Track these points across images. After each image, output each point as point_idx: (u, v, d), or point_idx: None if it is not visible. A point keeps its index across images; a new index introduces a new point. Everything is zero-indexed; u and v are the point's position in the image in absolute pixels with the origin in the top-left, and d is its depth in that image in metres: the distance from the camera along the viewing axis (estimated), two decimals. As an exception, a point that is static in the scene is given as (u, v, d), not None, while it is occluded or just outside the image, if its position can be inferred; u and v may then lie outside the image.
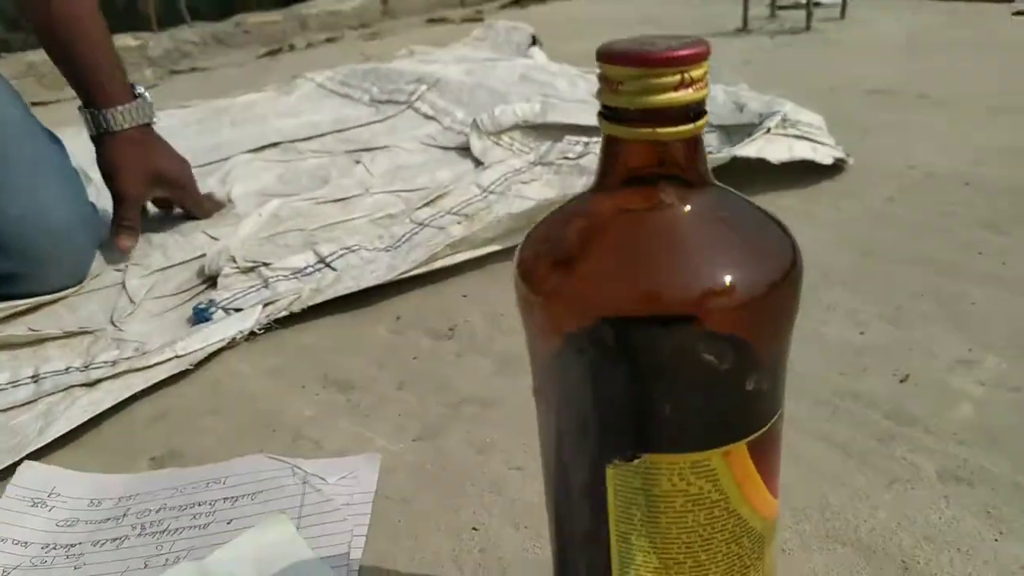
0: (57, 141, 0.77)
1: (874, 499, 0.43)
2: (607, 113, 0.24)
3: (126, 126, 0.78)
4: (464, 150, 1.06)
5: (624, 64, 0.22)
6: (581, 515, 0.27)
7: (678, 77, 0.22)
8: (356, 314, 0.67)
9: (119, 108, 0.77)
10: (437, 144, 1.11)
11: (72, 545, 0.44)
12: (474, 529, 0.43)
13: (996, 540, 0.39)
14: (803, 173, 0.84)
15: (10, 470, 0.50)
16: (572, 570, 0.30)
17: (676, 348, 0.23)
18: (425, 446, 0.51)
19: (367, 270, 0.70)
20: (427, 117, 1.21)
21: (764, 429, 0.25)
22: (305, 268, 0.72)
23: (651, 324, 0.23)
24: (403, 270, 0.69)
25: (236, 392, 0.58)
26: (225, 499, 0.46)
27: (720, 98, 1.01)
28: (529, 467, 0.47)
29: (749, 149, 0.82)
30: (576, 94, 1.20)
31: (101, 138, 0.78)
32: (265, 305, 0.66)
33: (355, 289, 0.67)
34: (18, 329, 0.66)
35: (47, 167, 0.73)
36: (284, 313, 0.66)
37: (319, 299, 0.67)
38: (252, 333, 0.64)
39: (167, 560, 0.42)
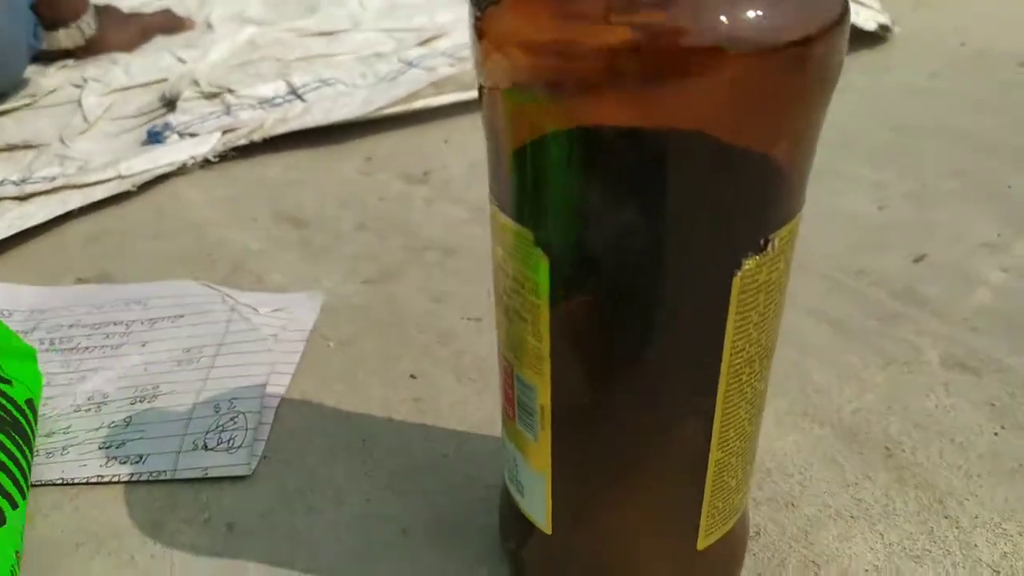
0: None
1: (864, 380, 0.37)
2: None
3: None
4: (471, -4, 0.96)
5: None
6: (679, 351, 0.20)
7: None
8: (324, 151, 0.61)
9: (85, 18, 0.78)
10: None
11: (-27, 357, 0.40)
12: (412, 377, 0.39)
13: (996, 434, 0.34)
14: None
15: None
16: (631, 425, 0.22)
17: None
18: (376, 289, 0.46)
19: (339, 103, 0.63)
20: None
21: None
22: (274, 98, 0.65)
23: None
24: (379, 105, 0.62)
25: (180, 219, 0.53)
26: (144, 320, 0.42)
27: None
28: (487, 319, 0.43)
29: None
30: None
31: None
32: (224, 133, 0.60)
33: (323, 123, 0.61)
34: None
35: None
36: (244, 142, 0.60)
37: (282, 129, 0.60)
38: (207, 161, 0.58)
39: (70, 379, 0.38)
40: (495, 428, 0.35)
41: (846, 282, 0.45)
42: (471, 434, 0.35)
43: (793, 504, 0.31)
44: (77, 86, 0.71)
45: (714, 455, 0.22)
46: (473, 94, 0.66)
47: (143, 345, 0.40)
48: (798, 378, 0.38)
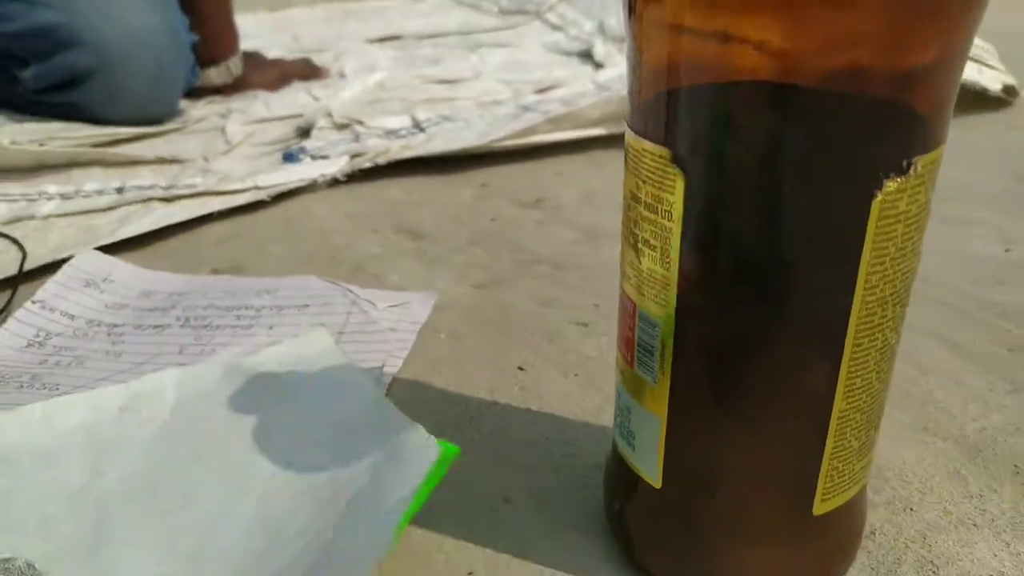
0: None
1: (990, 402, 0.36)
2: None
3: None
4: (586, 55, 1.01)
5: None
6: (815, 279, 0.20)
7: None
8: (443, 178, 0.64)
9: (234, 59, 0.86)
10: (560, 50, 1.06)
11: (116, 325, 0.44)
12: (520, 368, 0.39)
13: None
14: (963, 101, 0.74)
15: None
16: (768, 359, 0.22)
17: None
18: (486, 293, 0.47)
19: (460, 135, 0.67)
20: (554, 27, 1.17)
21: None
22: (399, 130, 0.69)
23: None
24: (496, 137, 0.65)
25: (308, 228, 0.57)
26: (272, 307, 0.44)
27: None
28: (595, 324, 0.43)
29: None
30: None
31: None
32: (353, 157, 0.64)
33: (444, 151, 0.64)
34: (117, 151, 0.67)
35: None
36: (369, 164, 0.63)
37: (407, 155, 0.64)
38: (336, 180, 0.62)
39: (202, 350, 0.41)
40: (598, 419, 0.35)
41: (972, 312, 0.43)
42: (574, 421, 0.35)
43: (912, 509, 0.30)
44: (222, 116, 0.77)
45: (838, 405, 0.22)
46: (587, 132, 0.68)
47: (270, 328, 0.42)
48: (919, 395, 0.36)
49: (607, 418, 0.35)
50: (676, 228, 0.21)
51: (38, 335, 0.42)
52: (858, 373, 0.21)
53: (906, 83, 0.18)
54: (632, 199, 0.22)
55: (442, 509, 0.30)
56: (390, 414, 0.32)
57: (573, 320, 0.44)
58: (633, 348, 0.24)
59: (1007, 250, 0.50)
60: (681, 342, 0.22)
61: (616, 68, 0.86)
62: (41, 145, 0.66)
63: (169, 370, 0.37)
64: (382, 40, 1.10)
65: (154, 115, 0.75)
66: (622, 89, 0.80)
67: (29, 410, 0.35)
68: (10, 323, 0.42)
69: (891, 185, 0.19)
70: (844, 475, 0.23)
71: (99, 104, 0.73)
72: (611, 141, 0.69)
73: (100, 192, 0.59)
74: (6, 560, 0.28)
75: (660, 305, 0.22)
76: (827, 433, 0.22)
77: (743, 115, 0.19)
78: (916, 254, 0.21)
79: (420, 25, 1.19)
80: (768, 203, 0.19)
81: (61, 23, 0.70)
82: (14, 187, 0.60)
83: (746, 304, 0.21)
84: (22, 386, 0.38)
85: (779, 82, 0.18)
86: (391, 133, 0.68)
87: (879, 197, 0.19)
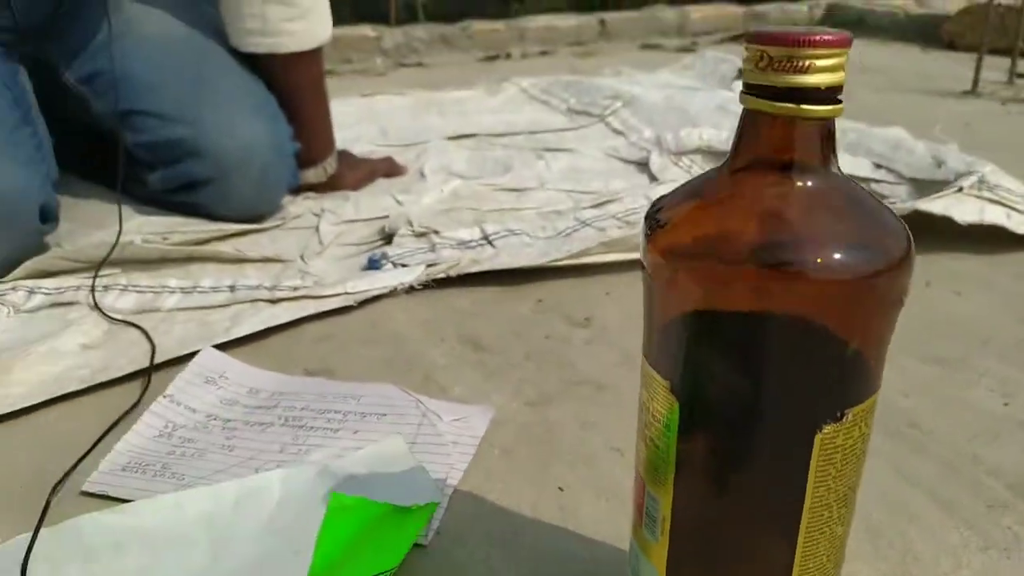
0: (256, 79, 0.90)
1: (962, 558, 0.41)
2: (751, 91, 0.25)
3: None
4: (643, 165, 1.09)
5: (773, 44, 0.24)
6: (762, 510, 0.28)
7: (823, 61, 0.24)
8: (504, 290, 0.73)
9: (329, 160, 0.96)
10: (619, 156, 1.15)
11: (229, 420, 0.53)
12: (559, 489, 0.47)
13: (1091, 629, 0.37)
14: (991, 239, 0.80)
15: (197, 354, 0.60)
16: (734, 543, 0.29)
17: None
18: (536, 411, 0.55)
19: (523, 252, 0.75)
20: (616, 131, 1.26)
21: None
22: (469, 241, 0.78)
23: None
24: (555, 257, 0.73)
25: (388, 332, 0.65)
26: (357, 413, 0.53)
27: (919, 151, 0.98)
28: (628, 451, 0.50)
29: (935, 205, 0.79)
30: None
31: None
32: (428, 266, 0.73)
33: (509, 266, 0.73)
34: (228, 248, 0.78)
35: (243, 93, 0.86)
36: (443, 275, 0.72)
37: (475, 268, 0.73)
38: (412, 288, 0.71)
39: (299, 449, 0.49)
40: (621, 542, 0.42)
41: (962, 467, 0.49)
42: (602, 543, 0.42)
43: (877, 651, 0.36)
44: (316, 215, 0.88)
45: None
46: (635, 255, 0.76)
47: (355, 432, 0.51)
48: (902, 546, 0.42)
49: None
50: (673, 438, 0.28)
51: (167, 426, 0.52)
52: (811, 557, 0.28)
53: (837, 358, 0.26)
54: (644, 407, 0.30)
55: (488, 614, 0.37)
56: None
57: (610, 445, 0.51)
58: (641, 514, 0.31)
59: (1005, 404, 0.55)
60: (675, 517, 0.29)
61: (668, 185, 0.94)
62: (165, 239, 0.77)
63: (276, 471, 0.46)
64: (459, 138, 1.21)
65: (260, 213, 0.86)
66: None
67: (163, 498, 0.44)
68: (145, 416, 0.52)
69: (828, 429, 0.26)
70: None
71: (214, 204, 0.84)
72: (658, 263, 0.77)
73: (215, 289, 0.69)
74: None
75: (662, 489, 0.29)
76: (783, 594, 0.29)
77: (720, 371, 0.26)
78: (856, 470, 0.28)
79: (493, 122, 1.30)
80: (739, 433, 0.27)
81: (187, 136, 0.82)
82: (142, 278, 0.71)
83: (722, 500, 0.28)
84: (155, 475, 0.47)
85: (747, 350, 0.26)
86: (463, 244, 0.78)
87: (819, 436, 0.26)
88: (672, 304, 0.27)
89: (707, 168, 1.04)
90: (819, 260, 0.24)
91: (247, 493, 0.45)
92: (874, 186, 0.95)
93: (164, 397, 0.54)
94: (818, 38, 0.24)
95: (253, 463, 0.48)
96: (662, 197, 0.29)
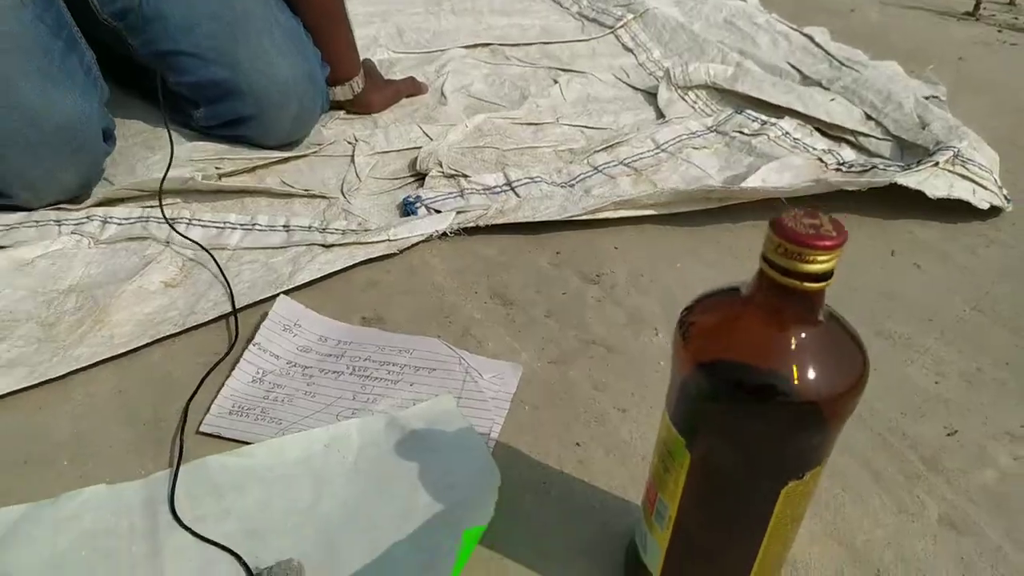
0: (282, 5, 0.94)
1: (880, 519, 0.55)
2: (769, 262, 0.35)
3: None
4: (651, 95, 1.16)
5: (789, 240, 0.33)
6: (742, 526, 0.40)
7: (823, 258, 0.33)
8: (526, 239, 0.82)
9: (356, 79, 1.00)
10: (628, 82, 1.20)
11: (306, 367, 0.64)
12: (577, 444, 0.59)
13: (960, 579, 0.52)
14: (957, 206, 0.90)
15: (268, 299, 0.70)
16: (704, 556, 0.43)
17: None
18: (556, 369, 0.66)
19: (543, 204, 0.84)
20: (625, 48, 1.30)
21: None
22: (495, 187, 0.87)
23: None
24: (572, 213, 0.83)
25: (427, 281, 0.76)
26: (411, 367, 0.64)
27: (907, 106, 1.05)
28: (630, 411, 0.63)
29: (910, 179, 0.88)
30: (774, 58, 1.25)
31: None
32: (458, 212, 0.82)
33: (531, 219, 0.82)
34: (274, 181, 0.86)
35: (274, 26, 0.91)
36: (472, 224, 0.81)
37: (500, 220, 0.82)
38: (444, 234, 0.81)
39: (367, 398, 0.61)
40: (625, 493, 0.55)
41: (892, 440, 0.62)
42: (611, 494, 0.55)
43: (806, 592, 0.50)
44: (349, 142, 0.95)
45: (757, 567, 0.42)
46: (640, 212, 0.86)
47: (411, 385, 0.62)
48: (834, 507, 0.56)
49: (631, 494, 0.55)
50: (683, 472, 0.40)
51: (258, 372, 0.63)
52: (770, 551, 0.41)
53: (797, 445, 0.37)
54: (662, 444, 0.41)
55: (523, 547, 0.51)
56: (490, 478, 0.52)
57: (616, 405, 0.63)
58: (653, 509, 0.43)
59: (936, 383, 0.68)
60: (678, 519, 0.42)
61: (673, 126, 1.02)
62: (217, 169, 0.84)
63: (353, 420, 0.58)
64: (474, 47, 1.24)
65: (298, 138, 0.93)
66: (675, 155, 0.96)
67: (270, 443, 0.56)
68: (240, 363, 0.63)
69: (792, 484, 0.38)
70: (757, 591, 0.43)
71: (256, 136, 0.91)
72: (659, 219, 0.86)
73: (272, 228, 0.78)
74: (287, 561, 0.49)
75: (671, 499, 0.42)
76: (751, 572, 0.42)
77: (719, 442, 0.38)
78: (807, 503, 0.40)
79: (507, 27, 1.33)
80: (729, 480, 0.39)
81: (228, 78, 0.87)
82: (204, 212, 0.79)
83: (712, 514, 0.40)
84: (256, 418, 0.59)
85: (742, 432, 0.37)
86: (488, 190, 0.86)
87: (785, 489, 0.38)
88: (689, 390, 0.38)
89: (711, 105, 1.11)
90: (796, 385, 0.35)
91: (333, 439, 0.57)
92: (861, 140, 1.03)
93: (253, 345, 0.64)
94: (824, 243, 0.33)
95: (333, 409, 0.60)
96: (691, 307, 0.39)
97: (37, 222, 0.76)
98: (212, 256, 0.73)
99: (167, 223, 0.76)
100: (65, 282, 0.70)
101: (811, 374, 0.35)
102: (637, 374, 0.66)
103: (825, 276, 0.34)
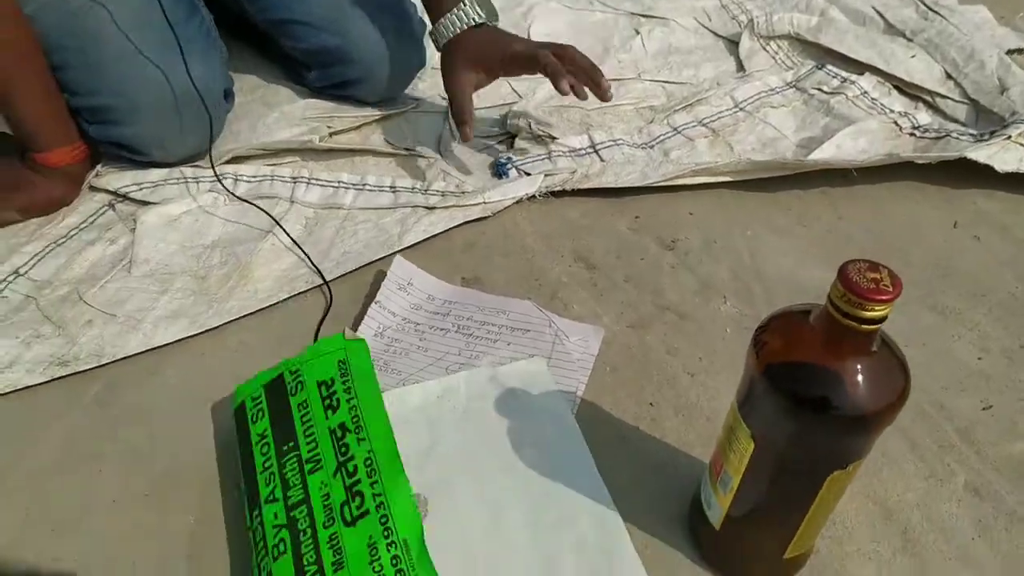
0: None
1: (911, 483, 0.64)
2: (834, 305, 0.42)
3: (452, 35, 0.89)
4: (732, 43, 1.18)
5: (853, 292, 0.40)
6: (792, 500, 0.49)
7: (880, 308, 0.41)
8: (608, 202, 0.90)
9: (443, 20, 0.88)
10: (710, 27, 1.22)
11: (418, 324, 0.74)
12: (650, 404, 0.69)
13: (972, 539, 0.60)
14: (1021, 180, 0.93)
15: (384, 259, 0.80)
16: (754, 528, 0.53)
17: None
18: (634, 333, 0.75)
19: (624, 170, 0.91)
20: (710, -10, 1.31)
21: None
22: (580, 150, 0.93)
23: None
24: (652, 180, 0.89)
25: (518, 243, 0.84)
26: (507, 327, 0.74)
27: (989, 66, 1.06)
28: (698, 375, 0.71)
29: (980, 154, 0.91)
30: (858, 1, 1.24)
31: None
32: (545, 175, 0.90)
33: (613, 185, 0.89)
34: (378, 140, 0.94)
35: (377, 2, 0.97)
36: (558, 188, 0.89)
37: (585, 184, 0.89)
38: (533, 197, 0.89)
39: (472, 354, 0.71)
40: (692, 450, 0.65)
41: (930, 412, 0.70)
42: (680, 451, 0.65)
43: (840, 543, 0.60)
44: (443, 98, 1.01)
45: (802, 528, 0.51)
46: (716, 178, 0.92)
47: (508, 344, 0.72)
48: (874, 470, 0.65)
49: (696, 451, 0.65)
50: (747, 455, 0.49)
51: (380, 327, 0.73)
52: (814, 520, 0.51)
53: (850, 441, 0.46)
54: (731, 430, 0.51)
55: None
56: (574, 439, 0.62)
57: (686, 369, 0.72)
58: (718, 475, 0.53)
59: (979, 359, 0.75)
60: (739, 489, 0.51)
61: (753, 83, 1.05)
62: (329, 127, 0.93)
63: (461, 373, 0.68)
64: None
65: (400, 93, 1.01)
66: (752, 114, 1.01)
67: (393, 392, 0.67)
68: (365, 319, 0.73)
69: (837, 473, 0.47)
70: (802, 543, 0.53)
71: (363, 96, 0.98)
72: (734, 184, 0.92)
73: (379, 188, 0.87)
74: (418, 495, 0.60)
75: (735, 473, 0.51)
76: (796, 533, 0.52)
77: (782, 436, 0.47)
78: (847, 486, 0.49)
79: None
80: (784, 468, 0.48)
81: (338, 45, 0.94)
82: (320, 171, 0.88)
83: (769, 490, 0.50)
84: (380, 369, 0.69)
85: (803, 431, 0.46)
86: (573, 152, 0.93)
87: (831, 477, 0.47)
88: (758, 393, 0.47)
89: (792, 57, 1.13)
90: (846, 401, 0.44)
91: (444, 390, 0.68)
92: (939, 101, 1.05)
93: (375, 303, 0.75)
94: (881, 297, 0.40)
95: (442, 363, 0.71)
96: (765, 326, 0.47)
97: (178, 179, 0.86)
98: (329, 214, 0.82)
99: (289, 180, 0.86)
100: (208, 237, 0.81)
101: (860, 393, 0.44)
102: (706, 340, 0.75)
103: (880, 320, 0.42)
